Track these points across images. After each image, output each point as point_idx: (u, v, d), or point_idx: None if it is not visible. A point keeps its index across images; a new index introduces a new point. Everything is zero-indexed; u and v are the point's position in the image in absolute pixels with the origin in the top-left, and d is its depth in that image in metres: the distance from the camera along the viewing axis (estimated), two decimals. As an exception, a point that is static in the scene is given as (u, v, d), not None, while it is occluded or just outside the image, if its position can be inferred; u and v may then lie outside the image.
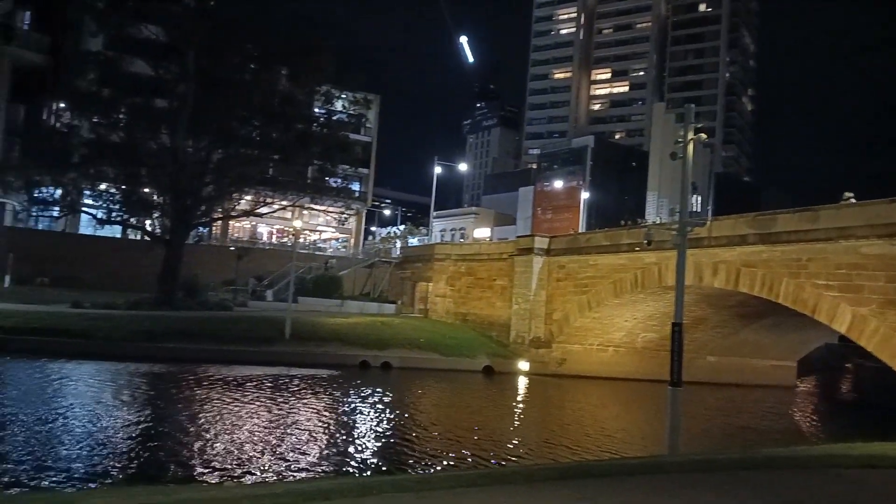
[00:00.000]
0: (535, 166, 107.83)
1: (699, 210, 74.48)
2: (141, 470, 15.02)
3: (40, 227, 55.88)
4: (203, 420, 20.82)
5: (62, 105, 54.19)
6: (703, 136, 19.17)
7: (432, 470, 16.88)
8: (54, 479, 13.73)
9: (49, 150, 43.07)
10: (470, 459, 18.39)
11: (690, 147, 17.54)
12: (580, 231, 65.42)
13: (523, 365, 39.98)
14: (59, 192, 45.10)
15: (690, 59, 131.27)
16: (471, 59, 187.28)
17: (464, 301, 48.19)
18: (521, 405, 31.69)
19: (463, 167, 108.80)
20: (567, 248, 41.31)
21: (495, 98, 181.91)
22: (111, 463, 15.46)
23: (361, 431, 21.54)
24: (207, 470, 15.34)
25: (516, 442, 21.81)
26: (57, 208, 47.81)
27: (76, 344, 31.04)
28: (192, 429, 19.52)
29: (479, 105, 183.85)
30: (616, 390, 37.09)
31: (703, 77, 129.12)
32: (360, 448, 19.05)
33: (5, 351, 29.07)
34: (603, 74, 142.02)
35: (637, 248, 33.71)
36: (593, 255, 38.78)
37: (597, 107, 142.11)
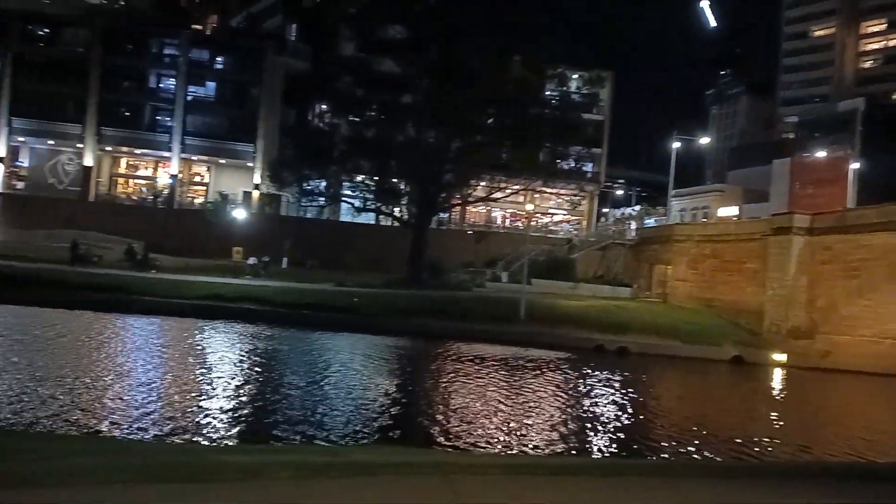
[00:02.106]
0: (791, 136, 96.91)
1: None
2: (390, 431, 16.43)
3: (308, 215, 63.42)
4: (445, 391, 22.18)
5: (324, 106, 60.99)
6: None
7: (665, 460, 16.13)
8: (320, 435, 15.58)
9: (314, 148, 48.79)
10: (707, 453, 17.23)
11: None
12: (848, 207, 57.48)
13: (779, 356, 36.38)
14: (323, 184, 50.81)
15: None
16: (713, 23, 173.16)
17: (708, 285, 45.12)
18: (774, 400, 28.93)
19: (705, 141, 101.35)
20: (832, 227, 36.60)
21: (741, 63, 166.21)
22: (367, 424, 17.12)
23: (594, 415, 21.29)
24: (446, 436, 16.30)
25: (766, 440, 19.93)
26: (322, 198, 53.92)
27: (340, 318, 34.83)
28: (435, 398, 20.91)
29: (722, 73, 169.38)
30: (894, 388, 32.18)
31: None
32: (594, 431, 18.87)
33: (284, 323, 33.60)
34: (876, 26, 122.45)
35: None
36: (865, 235, 33.88)
37: (867, 64, 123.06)
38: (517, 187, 51.71)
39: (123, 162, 66.78)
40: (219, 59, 64.90)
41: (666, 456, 16.54)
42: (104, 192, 63.89)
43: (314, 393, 20.18)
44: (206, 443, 14.07)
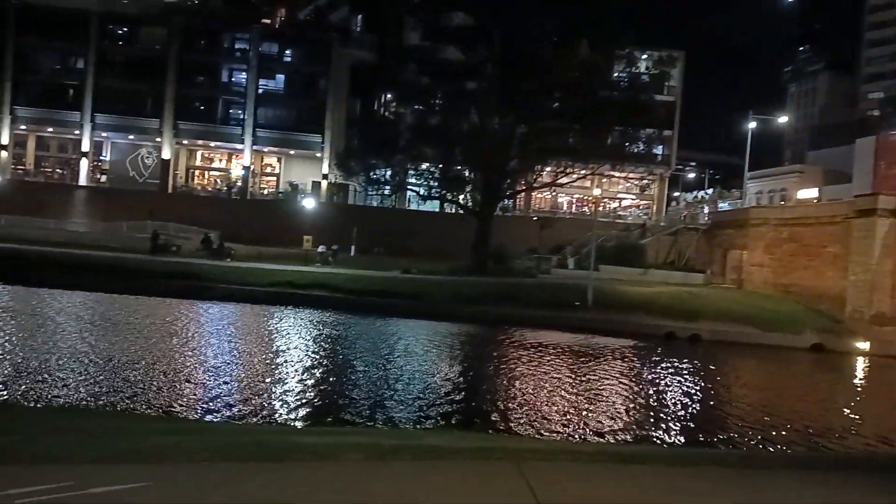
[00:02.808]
0: (876, 113, 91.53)
1: None
2: (458, 416, 16.56)
3: (374, 204, 64.28)
4: (511, 377, 22.17)
5: (389, 96, 61.53)
6: None
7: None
8: (388, 419, 15.86)
9: (380, 137, 49.34)
10: (783, 445, 16.61)
11: None
12: (940, 187, 53.94)
13: (861, 344, 34.66)
14: (389, 173, 51.37)
15: None
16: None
17: (785, 270, 43.36)
18: (856, 390, 27.62)
19: (783, 120, 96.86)
20: (922, 209, 34.48)
21: (821, 39, 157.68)
22: (434, 409, 17.30)
23: (666, 403, 20.84)
24: (514, 423, 16.31)
25: (846, 432, 19.05)
26: (388, 187, 54.50)
27: (407, 305, 35.26)
28: (500, 384, 20.94)
29: (801, 49, 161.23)
30: None
31: None
32: (666, 420, 18.49)
33: (353, 310, 34.27)
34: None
35: None
36: (960, 216, 31.77)
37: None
38: (584, 172, 50.90)
39: (199, 155, 69.29)
40: (287, 51, 66.30)
41: (742, 447, 16.07)
42: (181, 184, 66.51)
43: (382, 377, 20.55)
44: (279, 424, 14.56)
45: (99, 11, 63.45)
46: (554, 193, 68.80)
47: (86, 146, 63.02)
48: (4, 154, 62.25)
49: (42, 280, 33.62)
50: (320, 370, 21.22)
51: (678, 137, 75.95)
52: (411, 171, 52.42)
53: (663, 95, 67.77)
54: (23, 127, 63.22)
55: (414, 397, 18.38)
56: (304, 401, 17.19)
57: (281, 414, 15.69)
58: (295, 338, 27.42)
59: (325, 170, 64.20)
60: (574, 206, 72.15)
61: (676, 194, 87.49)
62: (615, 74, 49.23)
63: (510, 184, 48.75)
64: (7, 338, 21.87)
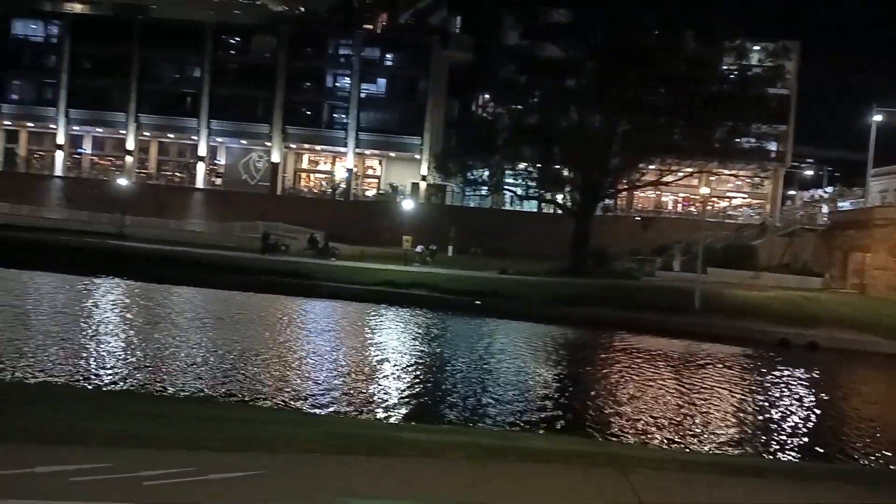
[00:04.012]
0: None
1: None
2: (559, 419, 16.31)
3: (472, 204, 64.59)
4: (614, 382, 21.61)
5: (487, 96, 61.66)
6: None
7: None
8: (487, 417, 15.84)
9: (478, 138, 49.49)
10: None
11: None
12: None
13: None
14: (486, 173, 51.45)
15: None
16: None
17: (915, 275, 39.93)
18: None
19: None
20: None
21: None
22: (535, 411, 17.13)
23: (780, 414, 19.65)
24: (618, 428, 15.87)
25: None
26: (485, 188, 54.62)
27: (504, 305, 35.15)
28: (602, 388, 20.45)
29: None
30: None
31: None
32: (781, 432, 17.43)
33: (451, 309, 34.54)
34: None
35: None
36: None
37: None
38: (690, 170, 48.98)
39: (305, 158, 72.14)
40: (389, 56, 67.81)
41: (864, 463, 14.92)
42: (289, 186, 69.47)
43: (481, 378, 20.59)
44: (383, 420, 14.90)
45: (213, 23, 67.39)
46: (658, 192, 66.65)
47: (202, 151, 67.03)
48: (130, 159, 67.24)
49: (162, 277, 35.99)
50: (420, 368, 21.53)
51: (794, 132, 71.55)
52: (509, 171, 52.26)
53: (776, 88, 64.09)
54: (146, 133, 68.06)
55: (513, 399, 18.29)
56: (406, 398, 17.51)
57: (384, 409, 16.05)
58: (396, 336, 27.98)
59: (424, 171, 65.17)
60: (680, 205, 69.55)
61: (792, 193, 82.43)
62: (724, 67, 47.04)
63: (611, 183, 47.62)
64: (133, 331, 23.61)
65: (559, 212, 49.72)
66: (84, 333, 22.36)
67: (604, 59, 43.65)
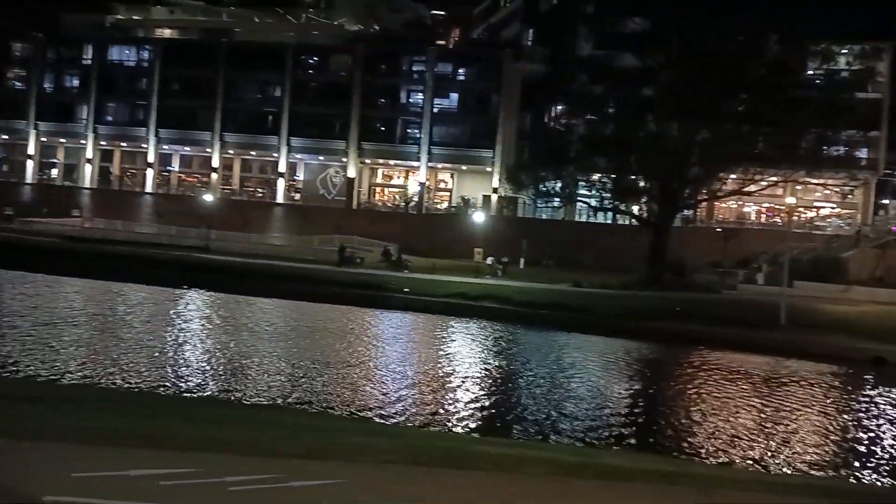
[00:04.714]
0: None
1: None
2: (634, 437, 15.86)
3: (544, 216, 64.00)
4: (693, 399, 20.87)
5: (560, 108, 61.14)
6: None
7: None
8: (563, 433, 15.58)
9: (551, 149, 49.10)
10: None
11: None
12: None
13: None
14: (559, 184, 50.93)
15: None
16: None
17: None
18: None
19: None
20: None
21: None
22: (611, 427, 16.74)
23: (876, 437, 18.44)
24: (697, 448, 15.30)
25: None
26: (558, 199, 54.04)
27: (577, 318, 34.57)
28: (681, 406, 19.78)
29: None
30: None
31: None
32: (879, 456, 16.36)
33: (523, 322, 34.26)
34: None
35: None
36: None
37: None
38: (775, 179, 47.02)
39: (380, 172, 73.46)
40: (461, 70, 68.38)
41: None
42: (364, 200, 70.87)
43: (555, 392, 20.32)
44: (457, 432, 14.91)
45: (293, 44, 69.83)
46: (740, 203, 64.22)
47: (282, 167, 69.33)
48: (215, 176, 70.25)
49: (244, 288, 37.36)
50: (493, 381, 21.46)
51: (887, 138, 67.42)
52: (582, 182, 51.56)
53: (867, 93, 60.77)
54: (230, 151, 70.99)
55: (588, 414, 17.96)
56: (478, 410, 17.47)
57: (457, 421, 16.06)
58: (468, 348, 28.00)
59: (496, 183, 65.12)
60: (763, 216, 66.73)
61: (885, 201, 77.69)
62: (810, 72, 45.04)
63: (690, 193, 46.24)
64: (215, 341, 24.57)
65: (635, 223, 48.60)
66: (170, 343, 23.45)
67: (681, 66, 42.58)
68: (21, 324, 24.32)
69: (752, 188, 47.57)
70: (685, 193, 45.55)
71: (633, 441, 15.62)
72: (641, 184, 47.97)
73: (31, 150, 72.70)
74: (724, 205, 62.86)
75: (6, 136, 74.82)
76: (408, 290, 38.75)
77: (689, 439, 16.29)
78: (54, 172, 75.03)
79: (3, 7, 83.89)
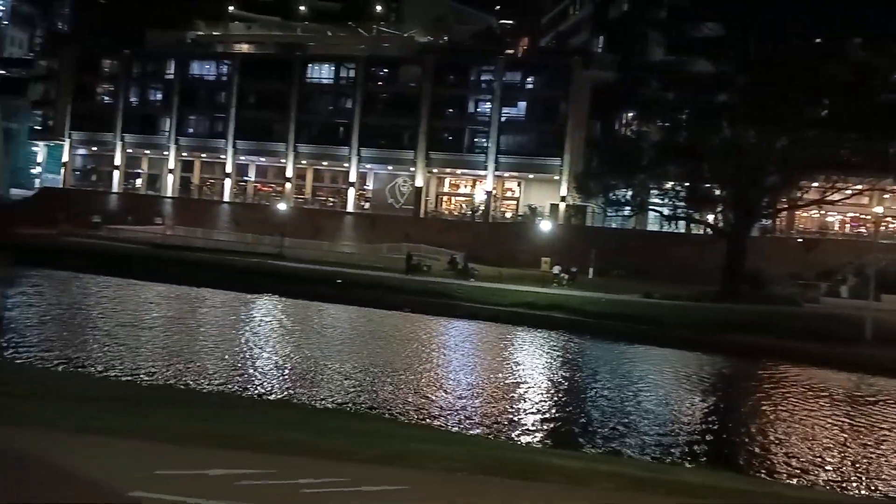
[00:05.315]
0: None
1: None
2: (706, 454, 15.32)
3: (613, 225, 62.85)
4: (770, 416, 20.02)
5: (630, 115, 60.05)
6: None
7: None
8: (632, 446, 15.22)
9: (621, 157, 48.19)
10: None
11: None
12: None
13: None
14: (629, 193, 49.91)
15: None
16: None
17: None
18: None
19: None
20: None
21: None
22: (684, 443, 16.23)
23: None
24: (778, 467, 14.64)
25: None
26: (628, 208, 52.98)
27: (648, 330, 33.74)
28: (756, 422, 19.00)
29: None
30: None
31: None
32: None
33: (590, 333, 33.69)
34: None
35: None
36: None
37: None
38: (860, 187, 44.71)
39: (447, 181, 73.95)
40: (529, 79, 68.18)
41: None
42: (431, 209, 71.47)
43: (624, 405, 19.89)
44: (524, 442, 14.80)
45: (364, 56, 71.39)
46: (823, 212, 61.44)
47: (353, 177, 70.78)
48: (289, 185, 72.37)
49: (314, 294, 38.31)
50: (561, 393, 21.19)
51: None
52: (654, 191, 50.39)
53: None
54: (303, 162, 73.00)
55: (659, 429, 17.50)
56: (545, 421, 17.29)
57: (524, 432, 15.94)
58: (536, 359, 27.77)
59: (564, 192, 64.46)
60: (847, 225, 63.55)
61: None
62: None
63: (769, 202, 44.46)
64: (287, 345, 25.25)
65: (710, 232, 47.09)
66: (243, 346, 24.24)
67: (759, 71, 41.10)
68: (103, 325, 25.71)
69: (836, 197, 45.36)
70: (763, 202, 43.84)
71: (705, 458, 15.11)
72: (716, 192, 46.51)
73: (117, 160, 76.89)
74: (804, 214, 60.26)
75: (95, 148, 79.42)
76: (474, 298, 38.78)
77: (766, 458, 15.63)
78: (138, 182, 79.05)
79: (93, 27, 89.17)
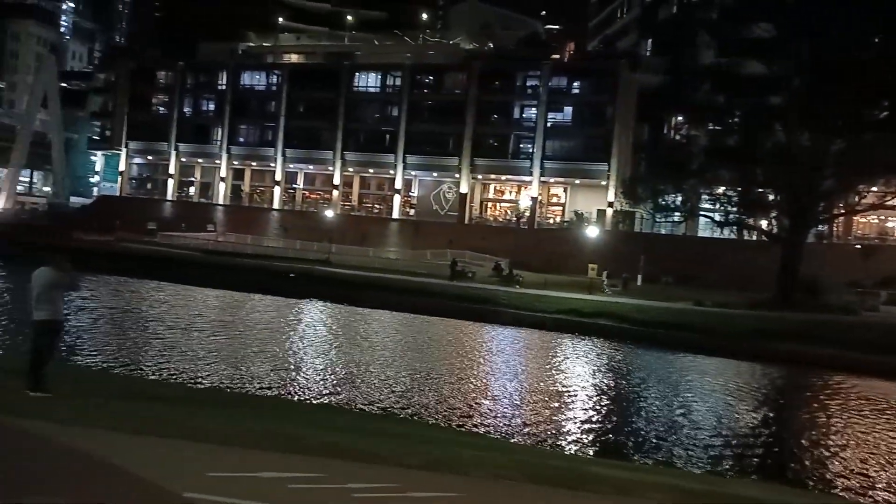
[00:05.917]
0: None
1: None
2: (761, 467, 14.89)
3: (662, 231, 61.78)
4: (829, 429, 19.29)
5: (679, 118, 59.00)
6: None
7: None
8: (681, 458, 14.86)
9: (670, 161, 47.35)
10: None
11: None
12: None
13: None
14: (679, 198, 48.96)
15: None
16: None
17: None
18: None
19: None
20: None
21: None
22: (734, 456, 15.78)
23: None
24: (837, 482, 14.09)
25: None
26: (678, 213, 51.99)
27: (698, 339, 32.95)
28: (814, 435, 18.34)
29: None
30: None
31: None
32: None
33: (639, 341, 33.12)
34: None
35: None
36: None
37: None
38: (922, 191, 42.88)
39: (491, 188, 73.92)
40: (575, 84, 67.74)
41: None
42: (476, 215, 71.52)
43: (674, 415, 19.47)
44: (571, 451, 14.62)
45: (410, 64, 72.05)
46: (882, 217, 59.28)
47: (398, 184, 71.41)
48: (336, 193, 73.42)
49: (360, 300, 38.71)
50: (609, 402, 20.88)
51: None
52: (705, 196, 49.32)
53: None
54: (350, 169, 74.02)
55: (710, 440, 17.05)
56: (594, 432, 17.05)
57: (571, 440, 15.75)
58: (583, 367, 27.44)
59: (611, 197, 63.70)
60: (910, 231, 61.10)
61: None
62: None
63: (825, 207, 43.03)
64: (334, 350, 25.55)
65: (763, 239, 45.82)
66: (291, 350, 24.63)
67: (814, 72, 39.89)
68: (155, 327, 26.48)
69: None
70: (818, 207, 42.45)
71: (760, 472, 14.67)
72: (770, 197, 45.28)
73: (171, 169, 79.30)
74: (863, 219, 58.26)
75: (150, 157, 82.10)
76: (519, 305, 38.56)
77: (821, 471, 15.08)
78: (192, 190, 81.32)
79: (149, 40, 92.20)
